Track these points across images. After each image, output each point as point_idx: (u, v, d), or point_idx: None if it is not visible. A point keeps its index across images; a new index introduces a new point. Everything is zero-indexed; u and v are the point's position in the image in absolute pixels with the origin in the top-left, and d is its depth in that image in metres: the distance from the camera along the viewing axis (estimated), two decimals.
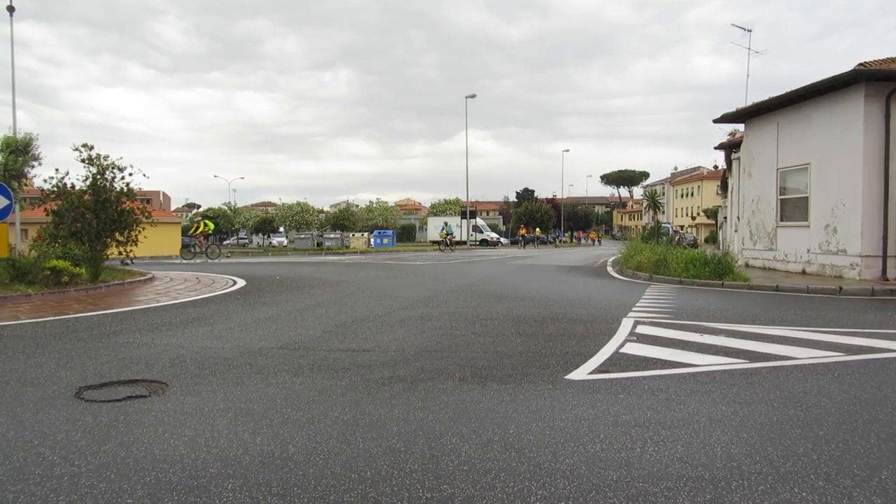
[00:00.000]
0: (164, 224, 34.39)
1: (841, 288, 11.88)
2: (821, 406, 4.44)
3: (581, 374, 5.43)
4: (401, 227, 65.82)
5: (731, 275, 13.88)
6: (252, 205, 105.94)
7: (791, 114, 16.03)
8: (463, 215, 56.68)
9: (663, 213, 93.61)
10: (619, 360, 5.94)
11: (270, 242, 59.35)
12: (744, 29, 28.02)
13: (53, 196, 13.96)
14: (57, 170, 14.11)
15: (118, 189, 14.43)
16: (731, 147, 22.61)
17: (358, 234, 49.71)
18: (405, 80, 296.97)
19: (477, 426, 3.99)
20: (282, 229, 62.15)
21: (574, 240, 73.74)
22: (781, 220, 16.54)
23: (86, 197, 14.10)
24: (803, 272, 15.13)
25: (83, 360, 6.04)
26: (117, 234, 14.53)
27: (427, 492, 3.01)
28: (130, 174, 14.60)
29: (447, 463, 3.37)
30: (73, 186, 14.12)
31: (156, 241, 26.79)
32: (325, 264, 24.27)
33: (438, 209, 73.95)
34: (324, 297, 11.51)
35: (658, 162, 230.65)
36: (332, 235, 47.39)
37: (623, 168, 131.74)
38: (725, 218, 27.65)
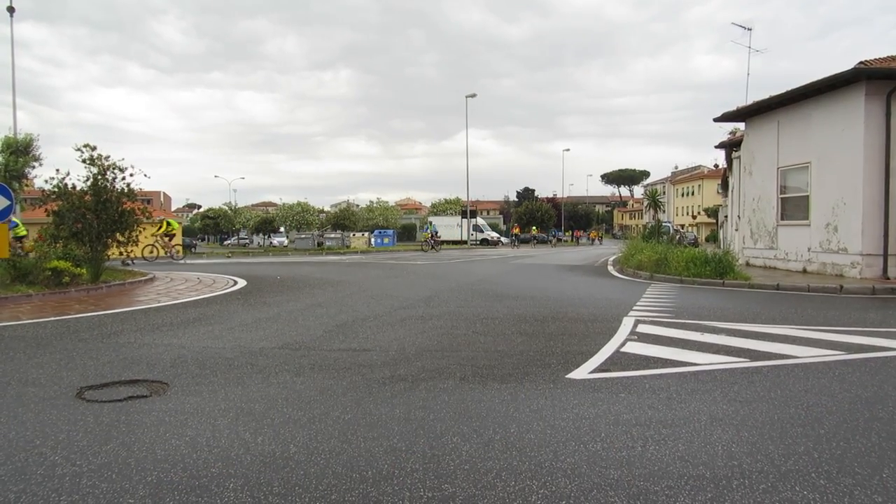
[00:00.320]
0: None
1: (842, 286, 11.88)
2: (822, 405, 4.44)
3: (582, 373, 5.43)
4: (401, 227, 65.80)
5: (732, 274, 13.87)
6: (253, 205, 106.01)
7: (791, 112, 16.02)
8: (463, 215, 56.70)
9: (664, 212, 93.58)
10: (619, 359, 5.94)
11: (271, 242, 59.38)
12: (744, 27, 28.03)
13: (54, 196, 13.96)
14: (58, 170, 14.12)
15: (119, 189, 14.44)
16: (731, 146, 22.60)
17: (358, 234, 49.72)
18: (405, 79, 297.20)
19: (478, 425, 4.00)
20: (282, 229, 62.18)
21: (573, 239, 73.13)
22: (782, 218, 16.53)
23: (86, 197, 14.11)
24: (804, 271, 15.12)
25: (84, 360, 6.05)
26: (118, 234, 14.54)
27: (428, 491, 3.02)
28: (131, 174, 14.61)
29: (448, 462, 3.37)
30: (73, 187, 14.12)
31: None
32: (326, 264, 24.28)
33: (439, 209, 73.95)
34: (324, 297, 11.52)
35: (658, 161, 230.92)
36: (332, 235, 47.39)
37: (623, 167, 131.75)
38: (726, 217, 27.64)
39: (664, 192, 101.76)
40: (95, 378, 5.31)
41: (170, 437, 3.79)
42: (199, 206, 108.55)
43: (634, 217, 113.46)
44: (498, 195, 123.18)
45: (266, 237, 61.54)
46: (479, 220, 60.36)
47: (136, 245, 15.02)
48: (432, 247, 40.18)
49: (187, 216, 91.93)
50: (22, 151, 21.44)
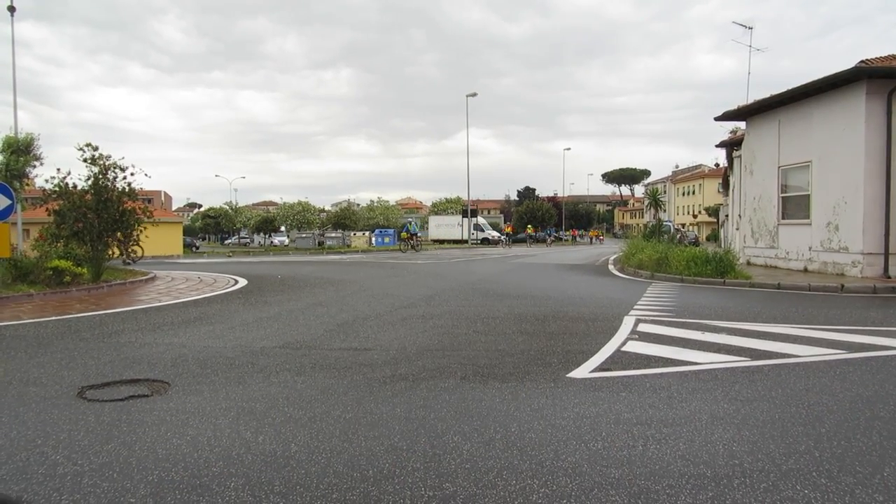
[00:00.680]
0: (165, 224, 34.42)
1: (843, 285, 11.87)
2: (823, 404, 4.44)
3: (583, 372, 5.43)
4: (402, 227, 65.76)
5: (733, 273, 13.86)
6: (253, 204, 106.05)
7: (792, 111, 16.01)
8: (464, 214, 56.63)
9: (664, 211, 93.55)
10: (620, 359, 5.94)
11: (272, 242, 59.40)
12: (745, 26, 27.99)
13: (55, 196, 13.98)
14: (59, 169, 14.14)
15: (120, 189, 14.45)
16: (732, 145, 22.59)
17: (359, 234, 49.74)
18: (406, 78, 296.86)
19: (479, 424, 4.00)
20: (283, 228, 62.18)
21: (570, 238, 72.41)
22: (783, 217, 16.52)
23: (87, 197, 14.13)
24: (805, 270, 15.12)
25: (85, 359, 6.06)
26: (119, 233, 14.55)
27: (429, 490, 3.02)
28: (132, 174, 14.63)
29: (449, 461, 3.38)
30: (74, 186, 14.14)
31: (157, 241, 26.81)
32: (327, 263, 24.30)
33: (440, 208, 73.93)
34: (325, 296, 11.52)
35: (659, 160, 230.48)
36: (333, 234, 47.40)
37: (624, 166, 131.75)
38: (727, 216, 27.64)
39: (665, 192, 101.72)
40: (96, 377, 5.31)
41: (171, 437, 3.79)
42: (200, 206, 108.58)
43: (635, 216, 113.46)
44: (499, 194, 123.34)
45: (267, 236, 61.56)
46: (480, 220, 60.29)
47: (137, 244, 15.02)
48: (412, 247, 38.00)
49: (188, 215, 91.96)
50: (23, 151, 21.43)
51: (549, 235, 62.08)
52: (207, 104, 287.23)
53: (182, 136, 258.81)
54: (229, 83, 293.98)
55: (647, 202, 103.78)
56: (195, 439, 3.74)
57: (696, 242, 36.26)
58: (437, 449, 3.56)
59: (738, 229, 20.45)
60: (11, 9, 20.17)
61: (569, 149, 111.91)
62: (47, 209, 14.14)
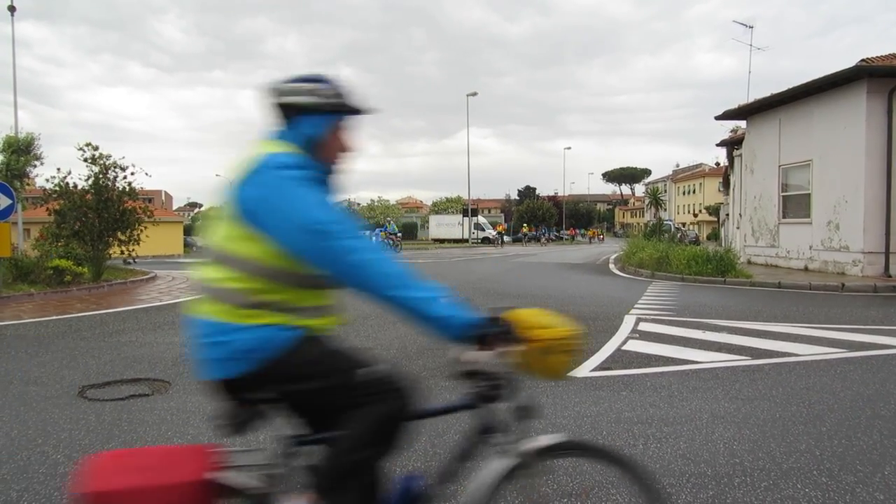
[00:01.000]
0: (165, 223, 34.42)
1: (843, 284, 11.86)
2: (823, 402, 4.44)
3: (583, 371, 5.43)
4: (402, 226, 65.75)
5: (734, 272, 13.86)
6: None
7: (793, 110, 15.99)
8: (465, 213, 56.63)
9: (665, 210, 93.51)
10: (621, 357, 5.94)
11: None
12: (745, 25, 28.00)
13: (55, 195, 13.97)
14: (59, 169, 14.13)
15: (120, 188, 14.44)
16: (732, 144, 22.57)
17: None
18: (406, 78, 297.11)
19: None
20: None
21: (569, 237, 71.60)
22: (783, 216, 16.51)
23: (88, 196, 14.12)
24: (806, 269, 15.11)
25: (86, 359, 6.06)
26: (119, 233, 14.54)
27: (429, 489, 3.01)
28: (132, 173, 14.62)
29: (449, 447, 3.37)
30: (75, 186, 14.13)
31: (158, 241, 26.79)
32: None
33: (440, 207, 73.90)
34: None
35: (660, 159, 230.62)
36: None
37: (625, 165, 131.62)
38: (727, 215, 27.62)
39: (665, 191, 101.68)
40: (97, 377, 5.31)
41: (172, 436, 3.79)
42: (201, 205, 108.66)
43: (636, 215, 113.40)
44: (499, 194, 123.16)
45: None
46: (481, 219, 60.24)
47: (138, 244, 15.01)
48: (391, 248, 36.58)
49: (189, 215, 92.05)
50: (23, 150, 21.45)
51: (544, 234, 61.80)
52: (208, 103, 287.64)
53: (182, 136, 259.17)
54: (230, 82, 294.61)
55: (647, 201, 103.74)
56: (196, 439, 3.74)
57: (696, 241, 36.23)
58: (438, 448, 3.56)
59: (738, 228, 20.44)
60: (12, 8, 20.17)
61: (569, 148, 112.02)
62: (48, 209, 14.13)
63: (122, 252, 14.83)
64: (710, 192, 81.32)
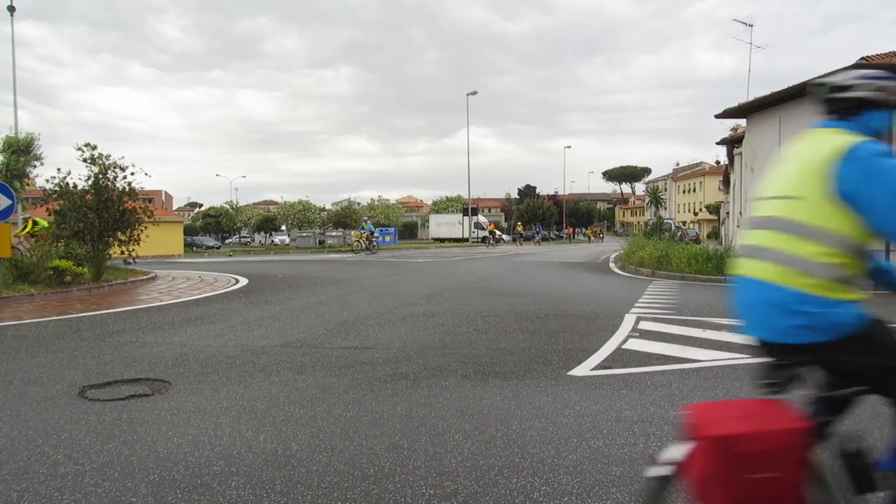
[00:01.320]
0: (166, 223, 34.43)
1: None
2: None
3: (584, 370, 5.43)
4: (402, 225, 65.77)
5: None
6: (254, 203, 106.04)
7: (793, 108, 15.97)
8: (465, 212, 56.62)
9: (665, 208, 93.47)
10: (621, 356, 5.94)
11: (273, 241, 59.44)
12: (745, 24, 28.01)
13: (56, 196, 13.97)
14: (59, 169, 14.12)
15: (120, 188, 14.44)
16: (733, 142, 22.57)
17: (360, 232, 49.66)
18: (406, 77, 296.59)
19: (479, 423, 4.00)
20: (284, 227, 62.22)
21: (566, 236, 70.78)
22: None
23: (88, 196, 14.12)
24: None
25: (86, 359, 6.06)
26: (119, 233, 14.55)
27: (430, 488, 3.02)
28: (132, 173, 14.61)
29: (450, 459, 3.38)
30: (75, 186, 14.13)
31: (158, 241, 26.81)
32: (328, 262, 24.30)
33: (440, 206, 73.88)
34: (326, 295, 11.52)
35: (660, 158, 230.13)
36: (334, 233, 47.38)
37: (625, 164, 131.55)
38: (728, 213, 27.62)
39: (666, 189, 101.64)
40: (97, 377, 5.31)
41: (172, 436, 3.79)
42: (201, 205, 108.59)
43: (636, 214, 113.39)
44: (499, 193, 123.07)
45: (267, 235, 61.61)
46: (481, 218, 60.22)
47: (139, 244, 15.02)
48: (366, 248, 33.75)
49: (189, 215, 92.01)
50: (23, 151, 21.44)
51: (538, 233, 61.57)
52: (208, 103, 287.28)
53: (182, 136, 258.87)
54: (229, 82, 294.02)
55: (647, 200, 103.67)
56: (196, 438, 3.74)
57: (696, 240, 36.21)
58: (438, 447, 3.56)
59: (739, 226, 20.43)
60: (11, 8, 20.18)
61: (569, 147, 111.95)
62: (48, 209, 14.14)
63: (123, 252, 14.84)
64: (710, 190, 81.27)
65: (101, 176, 14.18)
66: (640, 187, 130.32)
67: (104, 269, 14.36)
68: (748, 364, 5.58)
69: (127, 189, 14.54)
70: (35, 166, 22.35)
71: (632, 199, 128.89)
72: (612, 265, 19.84)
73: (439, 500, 2.90)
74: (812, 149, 1.98)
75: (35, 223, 26.93)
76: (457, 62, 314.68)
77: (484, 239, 54.04)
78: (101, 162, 14.23)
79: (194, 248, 47.60)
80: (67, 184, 14.07)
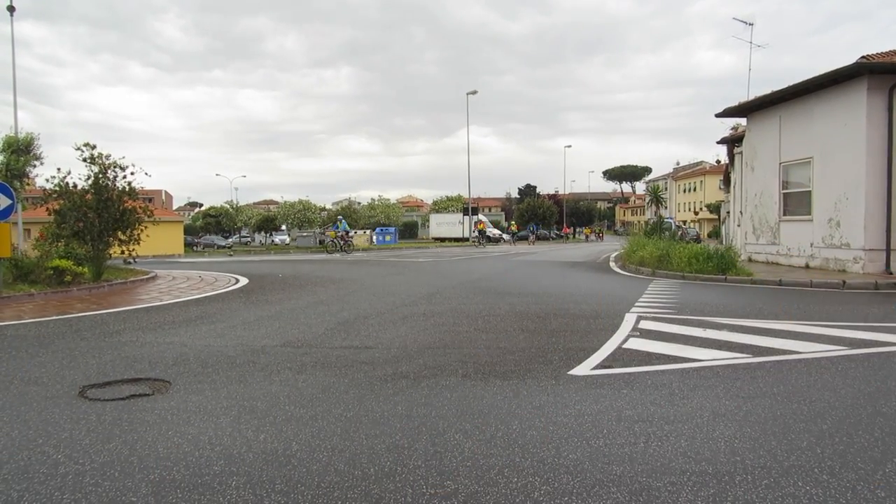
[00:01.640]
0: (166, 223, 34.44)
1: (845, 282, 11.85)
2: (824, 400, 4.43)
3: (584, 369, 5.43)
4: (403, 225, 65.78)
5: (734, 269, 13.84)
6: (254, 203, 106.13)
7: (793, 107, 15.98)
8: (465, 212, 56.63)
9: (666, 208, 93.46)
10: (622, 356, 5.94)
11: (273, 240, 59.45)
12: (745, 23, 27.98)
13: (56, 196, 13.98)
14: (59, 169, 14.13)
15: (120, 188, 14.45)
16: (733, 141, 22.55)
17: (360, 232, 49.72)
18: (406, 76, 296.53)
19: (480, 422, 4.00)
20: (284, 227, 62.24)
21: (564, 236, 69.92)
22: (784, 214, 16.50)
23: (88, 196, 14.12)
24: (807, 266, 15.10)
25: (87, 358, 6.06)
26: (120, 233, 14.56)
27: (430, 488, 3.02)
28: (132, 173, 14.63)
29: (450, 459, 3.37)
30: (75, 186, 14.14)
31: (158, 240, 26.83)
32: (328, 262, 24.29)
33: (440, 206, 73.91)
34: (326, 295, 11.52)
35: (660, 157, 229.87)
36: None
37: (625, 163, 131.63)
38: (728, 212, 27.60)
39: (666, 189, 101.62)
40: (98, 377, 5.31)
41: (172, 436, 3.79)
42: (201, 205, 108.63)
43: (636, 213, 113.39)
44: (500, 192, 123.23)
45: (268, 235, 61.63)
46: (481, 217, 60.26)
47: (139, 244, 15.03)
48: (340, 248, 32.61)
49: (189, 214, 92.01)
50: (23, 150, 21.42)
51: (532, 233, 61.47)
52: (208, 103, 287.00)
53: (182, 135, 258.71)
54: (229, 82, 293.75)
55: (648, 199, 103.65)
56: (196, 438, 3.74)
57: (697, 239, 36.18)
58: (439, 447, 3.56)
59: (739, 226, 20.42)
60: (11, 8, 20.17)
61: (570, 146, 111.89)
62: (48, 209, 14.14)
63: (123, 252, 14.85)
64: (710, 189, 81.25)
65: (101, 175, 14.19)
66: (640, 186, 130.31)
67: (104, 269, 14.36)
68: (749, 363, 5.58)
69: (127, 189, 14.55)
70: (35, 166, 22.33)
71: (632, 199, 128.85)
72: (612, 264, 19.83)
73: (440, 500, 2.90)
74: None
75: None
76: (457, 62, 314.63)
77: (490, 238, 53.90)
78: (100, 161, 14.25)
79: (195, 248, 47.57)
80: (67, 183, 14.08)
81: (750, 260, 17.55)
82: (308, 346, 6.63)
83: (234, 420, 4.09)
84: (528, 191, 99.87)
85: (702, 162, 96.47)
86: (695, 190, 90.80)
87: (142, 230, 14.94)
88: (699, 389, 4.73)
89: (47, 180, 14.35)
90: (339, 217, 40.02)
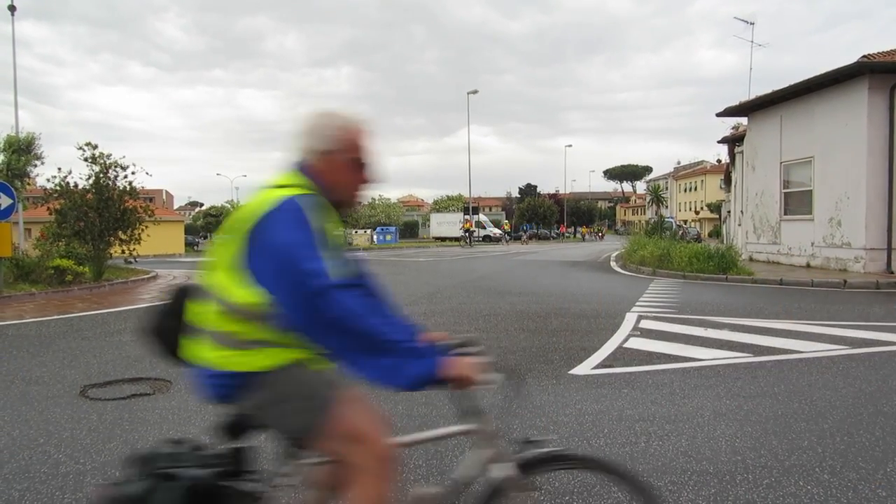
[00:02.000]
0: (166, 222, 34.43)
1: (845, 281, 11.84)
2: (825, 399, 4.43)
3: (585, 369, 5.42)
4: (403, 224, 65.75)
5: (735, 269, 13.83)
6: None
7: (794, 107, 15.95)
8: (466, 211, 56.58)
9: (666, 207, 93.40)
10: (622, 355, 5.93)
11: None
12: (746, 22, 27.96)
13: (56, 195, 13.98)
14: (59, 169, 14.13)
15: (121, 188, 14.44)
16: (734, 141, 22.52)
17: (361, 231, 49.70)
18: (406, 76, 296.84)
19: None
20: None
21: (559, 235, 69.07)
22: (785, 213, 16.48)
23: (89, 196, 14.12)
24: (808, 266, 15.08)
25: (87, 358, 6.06)
26: (120, 232, 14.55)
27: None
28: (133, 172, 14.62)
29: (451, 459, 3.37)
30: (75, 185, 14.13)
31: (159, 240, 26.80)
32: None
33: (441, 205, 73.86)
34: None
35: (661, 156, 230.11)
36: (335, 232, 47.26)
37: (626, 163, 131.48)
38: (729, 212, 27.57)
39: (667, 188, 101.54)
40: (99, 376, 5.31)
41: (173, 435, 3.79)
42: (202, 204, 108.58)
43: (637, 213, 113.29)
44: (500, 192, 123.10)
45: None
46: (482, 217, 60.23)
47: (139, 243, 15.02)
48: None
49: (189, 214, 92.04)
50: (24, 150, 21.42)
51: (525, 232, 61.30)
52: (208, 102, 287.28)
53: (183, 135, 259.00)
54: (230, 81, 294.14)
55: (648, 199, 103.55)
56: (197, 438, 3.73)
57: (698, 239, 36.18)
58: (439, 446, 3.56)
59: (740, 225, 20.41)
60: (12, 8, 20.16)
61: (570, 146, 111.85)
62: (49, 208, 14.14)
63: (123, 251, 14.84)
64: (711, 189, 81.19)
65: (101, 175, 14.18)
66: (641, 186, 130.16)
67: (105, 269, 14.36)
68: (750, 363, 5.58)
69: (128, 188, 14.54)
70: (36, 165, 22.33)
71: (633, 198, 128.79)
72: (612, 264, 19.82)
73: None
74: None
75: None
76: (457, 61, 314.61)
77: (486, 237, 53.81)
78: (101, 161, 14.24)
79: (195, 248, 47.56)
80: (68, 183, 14.07)
81: (751, 259, 17.54)
82: None
83: None
84: (528, 190, 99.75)
85: (702, 161, 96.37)
86: (695, 189, 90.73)
87: (142, 230, 14.92)
88: (700, 389, 4.73)
89: (48, 180, 14.35)
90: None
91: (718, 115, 19.03)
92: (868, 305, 9.29)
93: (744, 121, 19.81)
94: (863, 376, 5.07)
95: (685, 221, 72.37)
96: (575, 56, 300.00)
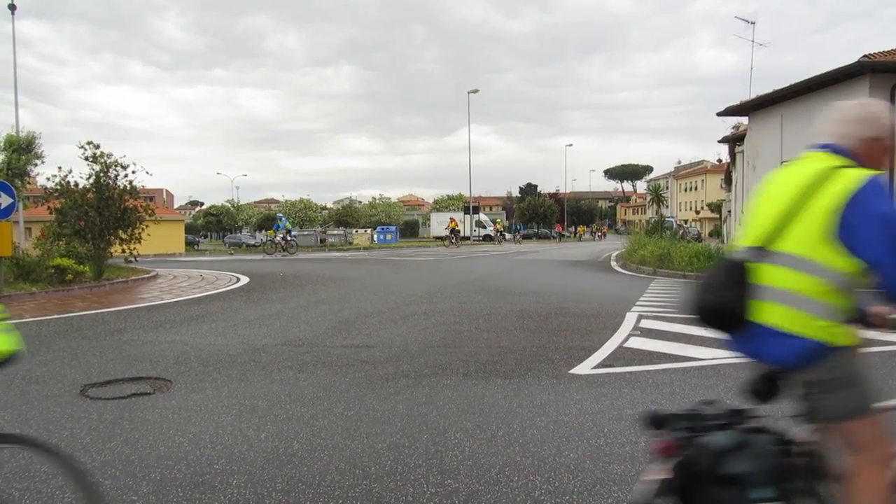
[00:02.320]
0: (167, 221, 34.43)
1: None
2: None
3: (585, 368, 5.42)
4: (404, 223, 65.76)
5: None
6: (255, 202, 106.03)
7: (795, 106, 15.95)
8: (466, 211, 56.57)
9: (667, 207, 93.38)
10: (622, 355, 5.93)
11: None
12: (747, 21, 27.92)
13: (57, 194, 13.98)
14: (60, 168, 14.13)
15: (121, 187, 14.45)
16: (734, 140, 22.52)
17: (361, 231, 49.69)
18: (407, 75, 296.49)
19: (481, 421, 3.99)
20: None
21: (557, 235, 68.71)
22: None
23: (89, 195, 14.12)
24: None
25: (88, 357, 6.06)
26: (121, 231, 14.56)
27: (431, 487, 3.02)
28: (133, 172, 14.62)
29: (451, 458, 3.37)
30: (76, 184, 14.14)
31: (159, 239, 26.79)
32: (329, 261, 24.29)
33: (441, 205, 73.87)
34: (327, 294, 11.52)
35: (661, 156, 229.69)
36: (335, 232, 47.33)
37: (626, 162, 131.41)
38: (729, 212, 27.56)
39: (667, 187, 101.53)
40: (99, 376, 5.32)
41: (173, 434, 3.79)
42: (202, 204, 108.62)
43: (637, 212, 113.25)
44: (501, 191, 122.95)
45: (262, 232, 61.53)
46: (482, 217, 60.20)
47: (140, 243, 15.03)
48: (283, 248, 28.15)
49: (190, 213, 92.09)
50: (24, 149, 21.44)
51: (518, 232, 61.23)
52: (208, 101, 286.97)
53: (183, 134, 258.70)
54: (230, 81, 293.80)
55: (649, 198, 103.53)
56: (197, 437, 3.74)
57: (698, 238, 36.18)
58: (440, 445, 3.56)
59: (740, 225, 20.41)
60: (12, 7, 20.16)
61: (571, 145, 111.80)
62: (49, 207, 14.15)
63: (124, 250, 14.84)
64: (712, 188, 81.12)
65: (102, 174, 14.19)
66: (641, 185, 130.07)
67: (105, 268, 14.36)
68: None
69: (128, 187, 14.55)
70: (36, 165, 22.35)
71: (633, 198, 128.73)
72: (613, 263, 19.82)
73: (440, 499, 2.89)
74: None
75: None
76: (458, 60, 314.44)
77: (486, 237, 53.79)
78: (102, 160, 14.25)
79: (195, 248, 47.56)
80: (69, 182, 14.08)
81: None
82: (309, 344, 6.63)
83: (235, 419, 4.09)
84: (529, 189, 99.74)
85: (703, 161, 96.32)
86: (696, 189, 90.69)
87: (143, 229, 14.93)
88: (700, 388, 4.73)
89: (48, 179, 14.36)
90: (279, 215, 35.68)
91: (719, 114, 19.02)
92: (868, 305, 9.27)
93: (744, 120, 19.80)
94: None
95: (686, 221, 72.35)
96: (575, 55, 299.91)
